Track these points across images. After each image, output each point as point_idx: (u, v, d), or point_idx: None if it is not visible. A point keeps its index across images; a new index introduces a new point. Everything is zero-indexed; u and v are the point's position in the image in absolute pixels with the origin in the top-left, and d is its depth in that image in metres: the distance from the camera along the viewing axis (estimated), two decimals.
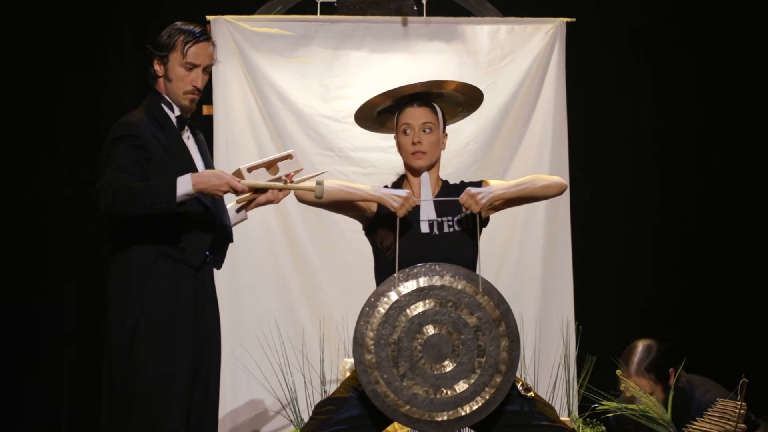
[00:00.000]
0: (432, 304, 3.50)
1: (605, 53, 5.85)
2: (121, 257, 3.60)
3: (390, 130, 3.87)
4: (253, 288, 5.30)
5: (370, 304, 3.49)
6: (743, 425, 4.27)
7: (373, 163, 5.34)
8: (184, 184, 3.47)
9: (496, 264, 5.31)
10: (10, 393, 5.42)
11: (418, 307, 3.50)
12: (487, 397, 3.48)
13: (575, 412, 5.17)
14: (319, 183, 3.50)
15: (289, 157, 3.80)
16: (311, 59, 5.40)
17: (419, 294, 3.50)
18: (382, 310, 3.49)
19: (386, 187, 3.72)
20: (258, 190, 3.76)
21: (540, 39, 5.46)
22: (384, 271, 3.60)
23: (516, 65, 5.44)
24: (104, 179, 3.49)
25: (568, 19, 5.48)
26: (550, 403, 3.82)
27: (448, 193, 3.69)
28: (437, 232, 3.65)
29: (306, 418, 4.25)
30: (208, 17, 5.29)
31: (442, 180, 3.78)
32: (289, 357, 5.18)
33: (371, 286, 3.61)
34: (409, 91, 3.73)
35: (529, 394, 3.57)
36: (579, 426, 4.96)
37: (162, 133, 3.64)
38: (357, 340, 3.48)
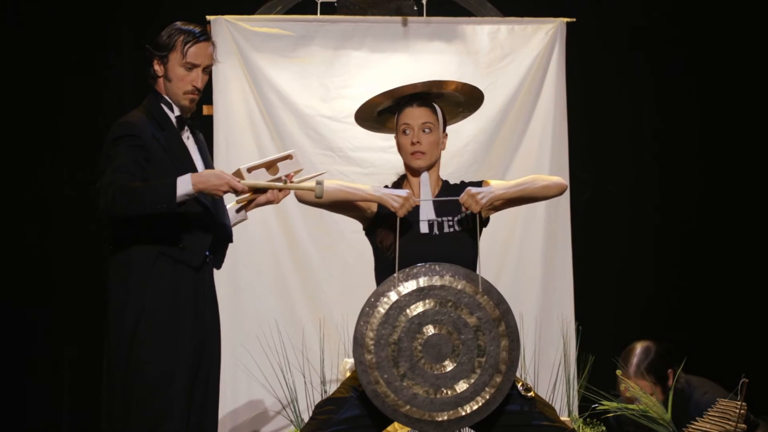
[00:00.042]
0: (432, 304, 3.50)
1: (605, 53, 5.85)
2: (121, 257, 3.60)
3: (390, 130, 3.87)
4: (253, 288, 5.30)
5: (370, 304, 3.49)
6: (743, 425, 4.27)
7: (373, 163, 5.34)
8: (184, 184, 3.47)
9: (496, 264, 5.31)
10: (10, 393, 5.42)
11: (418, 307, 3.50)
12: (488, 397, 3.48)
13: (575, 412, 5.17)
14: (318, 183, 3.50)
15: (289, 157, 3.80)
16: (311, 59, 5.40)
17: (419, 294, 3.50)
18: (382, 310, 3.49)
19: (386, 187, 3.72)
20: (258, 190, 3.76)
21: (540, 39, 5.46)
22: (384, 271, 3.60)
23: (516, 65, 5.44)
24: (104, 179, 3.49)
25: (569, 19, 5.48)
26: (550, 403, 3.82)
27: (449, 193, 3.69)
28: (437, 232, 3.65)
29: (306, 418, 4.25)
30: (208, 17, 5.29)
31: (442, 180, 3.78)
32: (289, 357, 5.18)
33: (371, 286, 3.61)
34: (408, 91, 3.73)
35: (529, 394, 3.57)
36: (579, 426, 4.96)
37: (162, 133, 3.64)
38: (357, 340, 3.48)
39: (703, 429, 4.30)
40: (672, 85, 5.90)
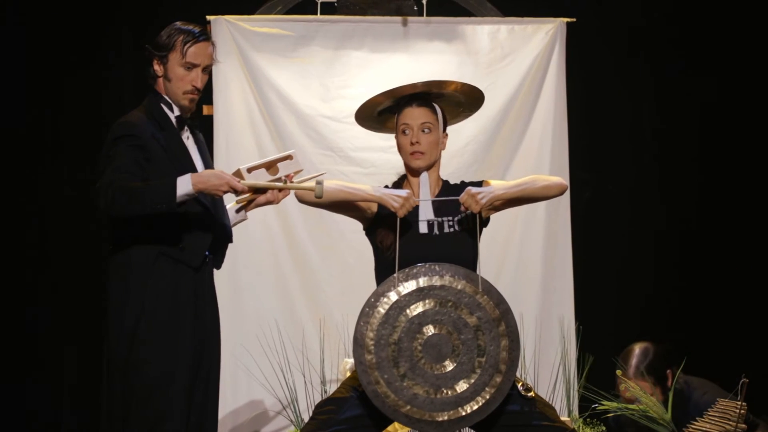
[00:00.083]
0: (432, 304, 3.50)
1: (605, 53, 5.85)
2: (121, 257, 3.60)
3: (391, 130, 3.87)
4: (253, 288, 5.30)
5: (370, 305, 3.49)
6: (743, 425, 4.27)
7: (373, 163, 5.34)
8: (184, 184, 3.47)
9: (496, 264, 5.31)
10: (10, 393, 5.42)
11: (418, 307, 3.50)
12: (488, 397, 3.48)
13: (575, 412, 5.17)
14: (318, 183, 3.50)
15: (289, 157, 3.80)
16: (311, 59, 5.40)
17: (419, 294, 3.50)
18: (382, 310, 3.49)
19: (387, 187, 3.72)
20: (258, 191, 3.76)
21: (540, 39, 5.46)
22: (384, 271, 3.60)
23: (516, 65, 5.44)
24: (104, 179, 3.49)
25: (569, 19, 5.48)
26: (550, 403, 3.82)
27: (449, 193, 3.69)
28: (437, 232, 3.65)
29: (306, 419, 4.25)
30: (208, 17, 5.29)
31: (442, 180, 3.78)
32: (289, 357, 5.18)
33: (371, 286, 3.61)
34: (408, 91, 3.73)
35: (529, 394, 3.57)
36: (579, 426, 4.96)
37: (161, 133, 3.64)
38: (357, 340, 3.48)
39: (703, 429, 4.30)
40: (672, 85, 5.90)
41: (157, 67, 3.70)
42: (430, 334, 3.49)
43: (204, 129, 4.00)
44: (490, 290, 3.52)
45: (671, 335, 5.56)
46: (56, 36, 5.53)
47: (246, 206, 3.87)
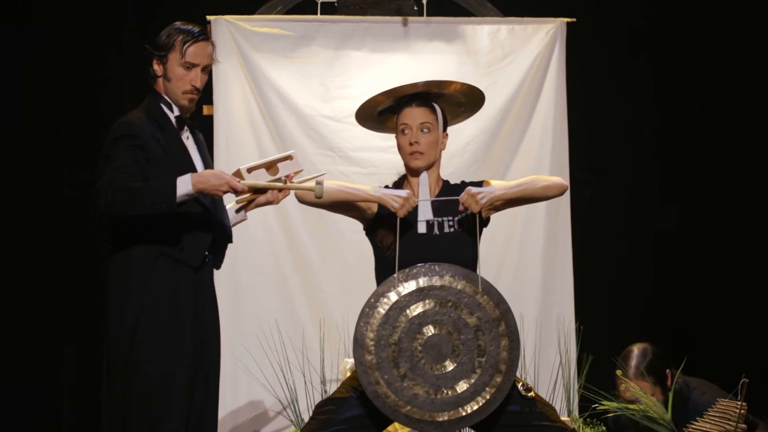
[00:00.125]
0: (432, 304, 3.50)
1: (606, 53, 5.85)
2: (121, 257, 3.60)
3: (391, 130, 3.87)
4: (253, 288, 5.30)
5: (370, 305, 3.49)
6: (743, 425, 4.27)
7: (373, 163, 5.34)
8: (184, 184, 3.47)
9: (496, 264, 5.32)
10: (10, 393, 5.42)
11: (418, 308, 3.50)
12: (488, 397, 3.48)
13: (575, 412, 5.17)
14: (318, 183, 3.50)
15: (289, 158, 3.80)
16: (312, 59, 5.40)
17: (419, 294, 3.50)
18: (382, 310, 3.49)
19: (387, 187, 3.72)
20: (258, 191, 3.76)
21: (540, 39, 5.46)
22: (384, 271, 3.60)
23: (516, 65, 5.44)
24: (104, 179, 3.49)
25: (569, 19, 5.48)
26: (550, 403, 3.82)
27: (449, 193, 3.69)
28: (438, 232, 3.65)
29: (306, 419, 4.25)
30: (208, 17, 5.29)
31: (442, 180, 3.78)
32: (289, 357, 5.18)
33: (371, 285, 3.61)
34: (408, 91, 3.73)
35: (529, 395, 3.57)
36: (579, 426, 4.96)
37: (161, 133, 3.64)
38: (357, 341, 3.48)
39: (704, 429, 4.30)
40: (672, 85, 5.90)
41: (157, 67, 3.70)
42: (430, 334, 3.49)
43: (204, 129, 4.00)
44: (490, 290, 3.52)
45: (671, 335, 5.57)
46: (56, 36, 5.53)
47: (246, 206, 3.87)
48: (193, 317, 3.61)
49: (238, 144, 5.32)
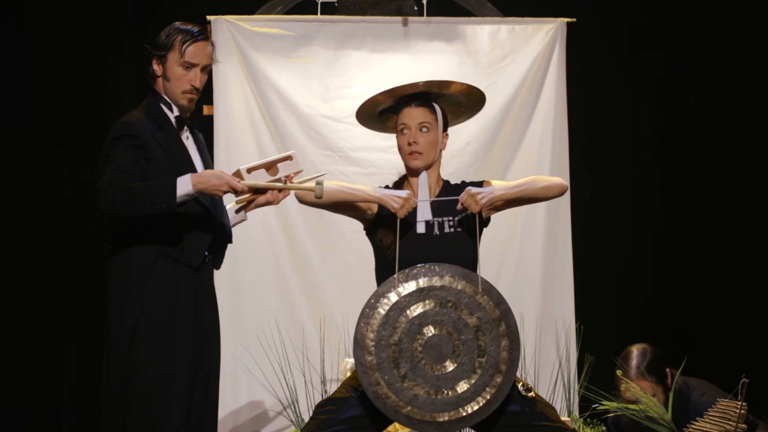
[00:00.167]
0: (432, 304, 3.50)
1: (606, 53, 5.85)
2: (121, 257, 3.60)
3: (392, 130, 3.87)
4: (253, 288, 5.30)
5: (370, 306, 3.49)
6: (743, 425, 4.27)
7: (373, 163, 5.34)
8: (184, 185, 3.47)
9: (496, 264, 5.31)
10: (11, 393, 5.42)
11: (418, 308, 3.50)
12: (488, 397, 3.48)
13: (576, 412, 5.17)
14: (318, 183, 3.50)
15: (289, 158, 3.80)
16: (312, 59, 5.40)
17: (419, 295, 3.50)
18: (382, 311, 3.49)
19: (387, 187, 3.72)
20: (258, 191, 3.76)
21: (540, 39, 5.46)
22: (385, 271, 3.60)
23: (516, 65, 5.44)
24: (104, 179, 3.49)
25: (569, 19, 5.48)
26: (550, 403, 3.82)
27: (449, 193, 3.69)
28: (438, 232, 3.65)
29: (307, 419, 4.25)
30: (208, 17, 5.29)
31: (443, 180, 3.78)
32: (289, 357, 5.18)
33: (371, 285, 3.61)
34: (408, 91, 3.73)
35: (529, 395, 3.57)
36: (579, 426, 4.96)
37: (161, 133, 3.64)
38: (357, 341, 3.48)
39: (704, 429, 4.30)
40: (672, 85, 5.90)
41: (156, 67, 3.70)
42: (431, 334, 3.49)
43: (204, 129, 4.00)
44: (490, 290, 3.52)
45: (671, 335, 5.57)
46: (56, 36, 5.53)
47: (246, 207, 3.87)
48: (193, 317, 3.61)
49: (238, 144, 5.32)
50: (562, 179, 3.79)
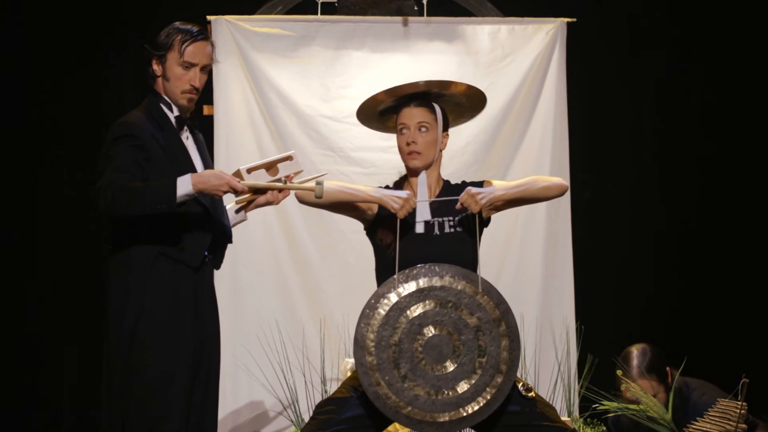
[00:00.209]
0: (432, 305, 3.50)
1: (606, 53, 5.85)
2: (121, 257, 3.60)
3: (393, 129, 3.86)
4: (253, 288, 5.30)
5: (371, 306, 3.49)
6: (744, 425, 4.27)
7: (373, 163, 5.34)
8: (184, 185, 3.47)
9: (497, 264, 5.31)
10: (11, 393, 5.42)
11: (419, 309, 3.50)
12: (489, 398, 3.48)
13: (576, 413, 5.17)
14: (318, 183, 3.50)
15: (289, 158, 3.80)
16: (312, 59, 5.40)
17: (419, 295, 3.50)
18: (382, 311, 3.49)
19: (387, 187, 3.72)
20: (258, 191, 3.76)
21: (541, 39, 5.46)
22: (385, 272, 3.60)
23: (517, 65, 5.44)
24: (104, 179, 3.49)
25: (569, 19, 5.48)
26: (550, 403, 3.82)
27: (449, 193, 3.69)
28: (438, 233, 3.64)
29: (307, 419, 4.25)
30: (208, 17, 5.29)
31: (443, 180, 3.78)
32: (289, 357, 5.18)
33: (372, 285, 3.61)
34: (408, 90, 3.72)
35: (529, 395, 3.57)
36: (580, 426, 4.96)
37: (161, 133, 3.64)
38: (357, 342, 3.48)
39: (704, 429, 4.30)
40: (672, 85, 5.90)
41: (156, 67, 3.70)
42: (431, 335, 3.49)
43: (204, 129, 4.00)
44: (490, 290, 3.52)
45: (671, 335, 5.57)
46: (56, 36, 5.53)
47: (246, 207, 3.86)
48: (193, 317, 3.61)
49: (239, 144, 5.32)
50: (563, 179, 3.79)
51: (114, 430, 3.57)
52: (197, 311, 3.63)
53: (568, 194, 5.14)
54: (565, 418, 4.77)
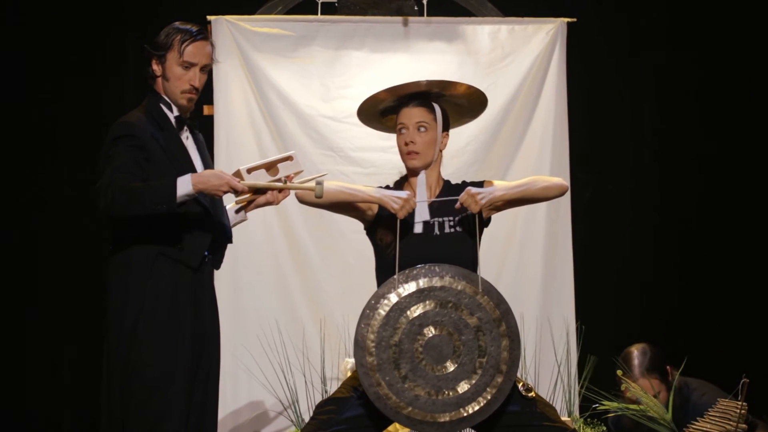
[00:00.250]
0: (432, 305, 3.50)
1: (606, 53, 5.85)
2: (121, 257, 3.60)
3: (392, 129, 3.86)
4: (253, 288, 5.30)
5: (371, 306, 3.49)
6: (744, 425, 4.27)
7: (374, 163, 5.34)
8: (184, 185, 3.47)
9: (497, 264, 5.31)
10: (11, 393, 5.42)
11: (419, 309, 3.50)
12: (489, 398, 3.48)
13: (576, 413, 5.17)
14: (318, 183, 3.50)
15: (289, 158, 3.80)
16: (312, 59, 5.40)
17: (419, 295, 3.50)
18: (382, 312, 3.49)
19: (388, 187, 3.72)
20: (258, 191, 3.76)
21: (541, 39, 5.45)
22: (385, 272, 3.60)
23: (517, 65, 5.44)
24: (104, 179, 3.49)
25: (569, 19, 5.48)
26: (551, 403, 3.82)
27: (450, 193, 3.69)
28: (438, 233, 3.64)
29: (307, 419, 4.25)
30: (209, 17, 5.29)
31: (443, 180, 3.78)
32: (289, 357, 5.18)
33: (372, 285, 3.61)
34: (408, 90, 3.72)
35: (530, 395, 3.57)
36: (580, 426, 4.96)
37: (161, 133, 3.63)
38: (358, 342, 3.48)
39: (704, 429, 4.30)
40: (672, 84, 5.90)
41: (156, 67, 3.70)
42: (431, 335, 3.49)
43: (204, 129, 4.00)
44: (490, 291, 3.52)
45: (671, 335, 5.57)
46: (56, 36, 5.53)
47: (246, 207, 3.86)
48: (193, 317, 3.61)
49: (239, 144, 5.32)
50: (563, 179, 3.78)
51: (114, 430, 3.57)
52: (197, 311, 3.63)
53: (568, 194, 5.13)
54: (565, 418, 4.77)
